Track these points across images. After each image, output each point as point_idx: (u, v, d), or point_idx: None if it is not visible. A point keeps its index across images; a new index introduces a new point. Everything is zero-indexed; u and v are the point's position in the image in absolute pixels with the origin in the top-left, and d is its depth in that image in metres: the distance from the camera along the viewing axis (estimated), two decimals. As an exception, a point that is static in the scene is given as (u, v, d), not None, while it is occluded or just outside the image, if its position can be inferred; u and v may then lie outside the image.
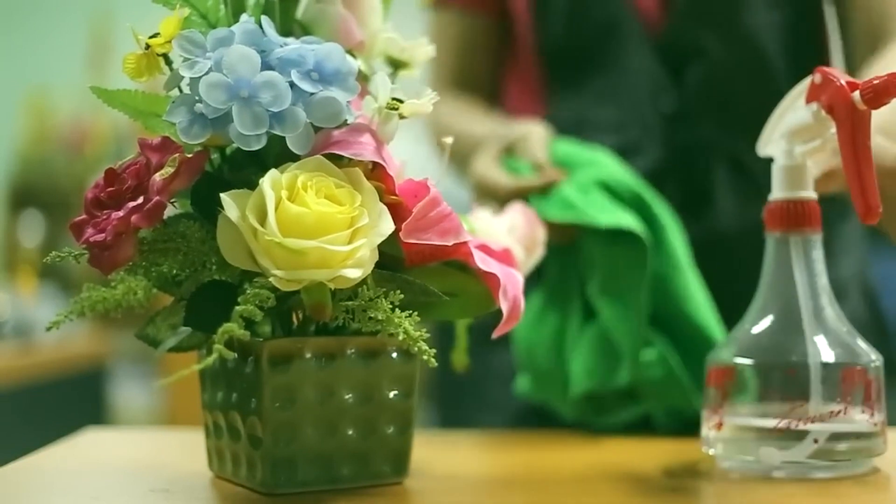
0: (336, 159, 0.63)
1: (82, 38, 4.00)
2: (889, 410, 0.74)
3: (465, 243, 0.64)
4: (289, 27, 0.69)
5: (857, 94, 0.67)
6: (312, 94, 0.62)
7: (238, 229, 0.59)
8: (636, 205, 0.90)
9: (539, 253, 0.82)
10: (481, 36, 1.18)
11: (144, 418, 3.38)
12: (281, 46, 0.63)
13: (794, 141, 0.73)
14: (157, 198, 0.60)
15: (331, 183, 0.61)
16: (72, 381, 2.89)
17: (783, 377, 0.70)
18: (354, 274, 0.59)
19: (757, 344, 0.72)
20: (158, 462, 0.81)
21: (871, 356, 0.71)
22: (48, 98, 3.94)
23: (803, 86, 0.73)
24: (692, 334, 0.89)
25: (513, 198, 0.91)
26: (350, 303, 0.62)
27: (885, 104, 0.67)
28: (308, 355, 0.64)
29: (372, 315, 0.61)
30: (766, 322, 0.72)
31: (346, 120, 0.63)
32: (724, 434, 0.72)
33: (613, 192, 0.91)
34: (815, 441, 0.68)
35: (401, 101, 0.65)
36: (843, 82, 0.68)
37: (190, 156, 0.62)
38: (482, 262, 0.65)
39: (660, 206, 0.91)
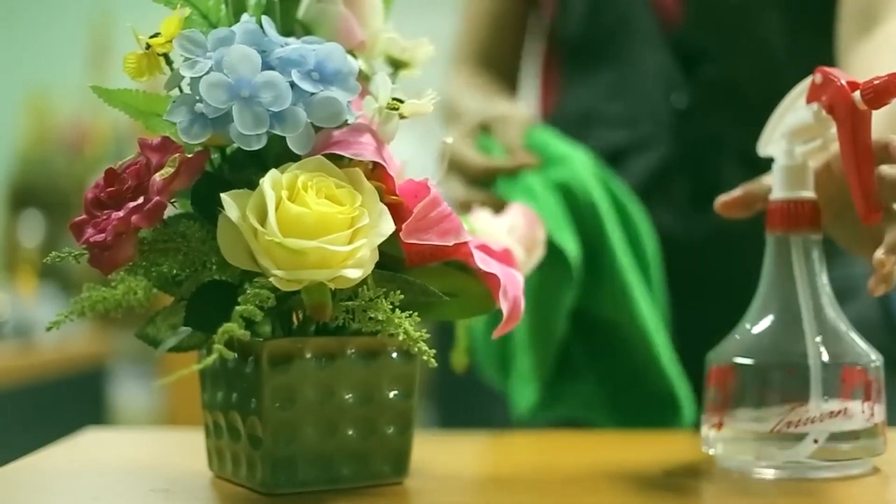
0: (336, 159, 0.63)
1: (82, 39, 4.00)
2: (894, 410, 0.74)
3: (465, 243, 0.64)
4: (290, 27, 0.69)
5: (857, 94, 0.67)
6: (313, 94, 0.62)
7: (238, 229, 0.59)
8: (588, 219, 0.89)
9: (539, 253, 0.82)
10: (511, 16, 1.18)
11: (144, 418, 3.38)
12: (282, 46, 0.63)
13: (794, 141, 0.73)
14: (158, 198, 0.60)
15: (331, 183, 0.61)
16: (72, 381, 2.89)
17: (783, 377, 0.70)
18: (355, 274, 0.59)
19: (757, 344, 0.72)
20: (158, 462, 0.81)
21: (871, 356, 0.71)
22: (48, 98, 3.95)
23: (804, 85, 0.73)
24: (634, 354, 0.88)
25: (480, 177, 0.91)
26: (350, 303, 0.62)
27: (886, 104, 0.67)
28: (308, 355, 0.64)
29: (372, 315, 0.61)
30: (767, 322, 0.72)
31: (346, 120, 0.63)
32: (724, 434, 0.72)
33: (572, 198, 0.89)
34: (815, 441, 0.68)
35: (401, 101, 0.65)
36: (843, 82, 0.68)
37: (190, 156, 0.62)
38: (482, 262, 0.65)
39: (614, 225, 0.90)
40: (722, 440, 0.72)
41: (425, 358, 0.61)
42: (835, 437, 0.68)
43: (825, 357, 0.69)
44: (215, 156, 0.66)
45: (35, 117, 3.98)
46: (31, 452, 0.80)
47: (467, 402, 1.84)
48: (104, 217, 0.61)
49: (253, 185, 0.61)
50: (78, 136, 3.90)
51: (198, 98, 0.60)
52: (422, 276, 0.64)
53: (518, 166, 0.91)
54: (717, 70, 1.06)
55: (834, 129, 0.70)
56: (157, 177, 0.60)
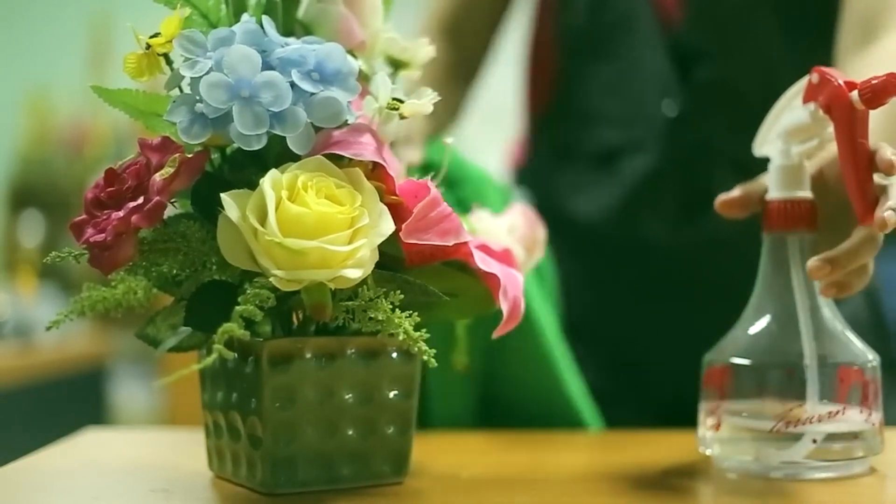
0: (336, 159, 0.63)
1: (82, 39, 3.99)
2: (890, 410, 0.74)
3: (465, 243, 0.64)
4: (290, 27, 0.69)
5: (855, 93, 0.67)
6: (313, 94, 0.62)
7: (238, 229, 0.60)
8: None
9: (539, 253, 0.82)
10: None
11: (144, 418, 3.37)
12: (282, 46, 0.63)
13: (790, 141, 0.73)
14: (157, 198, 0.60)
15: (331, 183, 0.61)
16: (72, 381, 2.89)
17: (780, 377, 0.70)
18: (355, 274, 0.59)
19: (754, 344, 0.72)
20: (158, 462, 0.81)
21: (868, 356, 0.71)
22: (48, 98, 3.94)
23: (800, 85, 0.73)
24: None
25: None
26: (350, 303, 0.62)
27: (884, 104, 0.67)
28: (308, 355, 0.64)
29: (372, 315, 0.61)
30: (763, 322, 0.72)
31: (346, 120, 0.63)
32: (721, 434, 0.72)
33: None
34: (813, 441, 0.68)
35: (401, 101, 0.65)
36: (840, 82, 0.68)
37: (190, 156, 0.62)
38: (482, 262, 0.65)
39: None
40: (719, 441, 0.72)
41: (425, 358, 0.61)
42: (832, 437, 0.69)
43: (822, 357, 0.70)
44: (215, 156, 0.66)
45: (35, 117, 3.97)
46: (31, 452, 0.80)
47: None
48: (104, 217, 0.61)
49: (253, 185, 0.61)
50: (78, 136, 3.89)
51: (198, 98, 0.60)
52: (422, 276, 0.64)
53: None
54: (714, 73, 1.05)
55: (830, 129, 0.70)
56: (157, 177, 0.60)
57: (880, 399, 0.71)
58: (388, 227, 0.61)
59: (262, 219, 0.59)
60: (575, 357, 0.98)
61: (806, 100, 0.72)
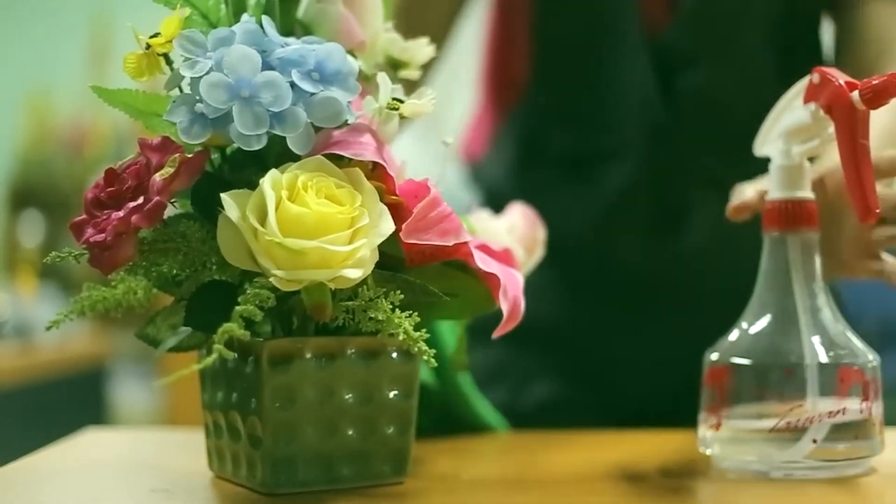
0: (336, 159, 0.63)
1: (82, 39, 3.99)
2: None
3: (465, 243, 0.64)
4: (290, 27, 0.69)
5: (856, 94, 0.67)
6: (313, 94, 0.62)
7: (238, 229, 0.60)
8: None
9: (539, 253, 0.82)
10: None
11: (144, 418, 3.37)
12: (282, 46, 0.63)
13: (791, 141, 0.73)
14: (157, 198, 0.60)
15: (331, 183, 0.61)
16: (72, 381, 2.89)
17: (781, 377, 0.70)
18: (355, 274, 0.59)
19: (754, 344, 0.72)
20: (158, 462, 0.81)
21: (869, 356, 0.71)
22: (48, 99, 3.94)
23: (801, 85, 0.73)
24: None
25: None
26: (350, 303, 0.62)
27: (884, 104, 0.67)
28: (308, 355, 0.64)
29: (372, 315, 0.61)
30: (764, 322, 0.72)
31: (346, 120, 0.63)
32: (721, 434, 0.72)
33: None
34: (814, 441, 0.68)
35: (401, 101, 0.65)
36: (841, 82, 0.68)
37: (190, 156, 0.62)
38: (482, 262, 0.65)
39: None
40: (719, 441, 0.72)
41: (425, 358, 0.61)
42: (832, 437, 0.68)
43: (822, 357, 0.70)
44: (215, 156, 0.66)
45: (35, 117, 3.97)
46: (31, 452, 0.80)
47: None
48: (104, 217, 0.61)
49: (253, 185, 0.61)
50: (78, 136, 3.89)
51: (198, 98, 0.60)
52: (422, 276, 0.64)
53: None
54: (699, 83, 1.03)
55: (831, 129, 0.70)
56: (157, 177, 0.60)
57: (881, 399, 0.71)
58: (388, 227, 0.61)
59: (262, 219, 0.59)
60: (540, 364, 0.97)
61: (807, 100, 0.72)
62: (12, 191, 3.93)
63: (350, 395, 0.66)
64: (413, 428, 0.68)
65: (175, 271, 0.63)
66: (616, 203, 1.03)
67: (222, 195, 0.60)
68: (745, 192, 0.77)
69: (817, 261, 0.73)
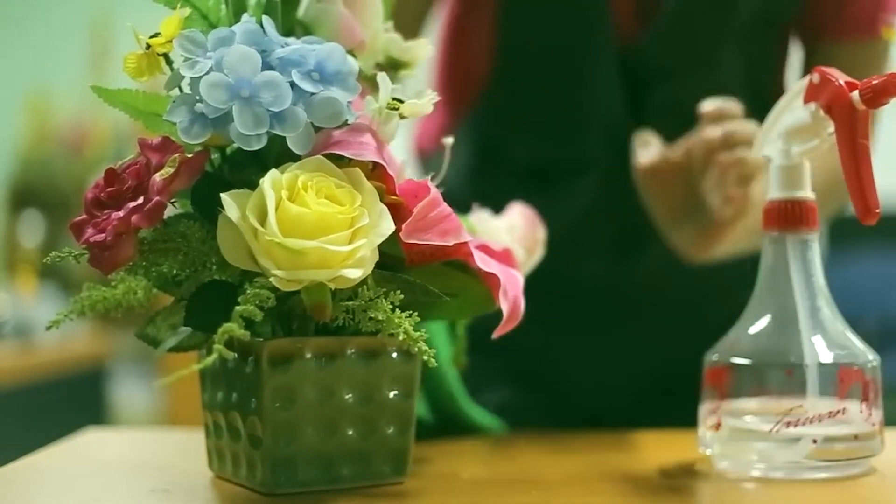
0: (336, 159, 0.63)
1: (83, 39, 3.99)
2: None
3: (465, 243, 0.64)
4: (290, 27, 0.69)
5: (856, 94, 0.67)
6: (313, 94, 0.62)
7: (238, 229, 0.60)
8: None
9: (539, 253, 0.82)
10: None
11: (144, 418, 3.37)
12: (282, 46, 0.63)
13: (791, 141, 0.73)
14: (157, 198, 0.60)
15: (331, 183, 0.61)
16: (72, 381, 2.89)
17: (781, 377, 0.70)
18: (355, 274, 0.59)
19: (754, 344, 0.72)
20: (158, 462, 0.81)
21: (869, 356, 0.71)
22: (48, 99, 3.94)
23: (801, 85, 0.73)
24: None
25: None
26: (350, 303, 0.62)
27: (884, 104, 0.67)
28: (308, 355, 0.64)
29: (372, 315, 0.61)
30: (764, 322, 0.72)
31: (346, 120, 0.63)
32: (721, 434, 0.72)
33: None
34: (814, 441, 0.68)
35: (401, 101, 0.65)
36: (841, 82, 0.68)
37: (190, 156, 0.62)
38: (482, 262, 0.65)
39: None
40: (719, 440, 0.72)
41: (425, 358, 0.61)
42: (832, 437, 0.69)
43: (822, 357, 0.70)
44: (215, 156, 0.66)
45: (35, 117, 3.97)
46: (31, 452, 0.80)
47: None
48: (104, 217, 0.61)
49: (253, 185, 0.61)
50: (78, 136, 3.89)
51: (198, 98, 0.60)
52: (422, 276, 0.64)
53: None
54: (669, 100, 1.00)
55: (831, 129, 0.70)
56: (157, 177, 0.60)
57: (881, 399, 0.71)
58: (388, 227, 0.61)
59: (262, 219, 0.59)
60: (496, 371, 0.96)
61: (807, 100, 0.72)
62: (12, 191, 3.93)
63: (350, 395, 0.66)
64: (413, 428, 0.68)
65: (175, 271, 0.63)
66: (579, 220, 1.01)
67: (222, 195, 0.60)
68: (649, 150, 0.77)
69: (818, 261, 0.73)
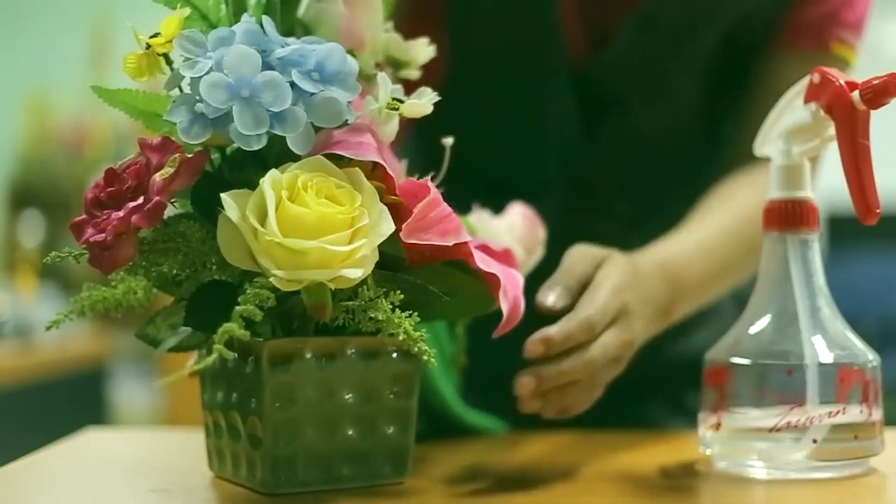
0: (336, 159, 0.63)
1: (82, 39, 3.99)
2: None
3: (465, 243, 0.64)
4: (290, 27, 0.69)
5: (856, 94, 0.68)
6: (313, 94, 0.62)
7: (238, 229, 0.60)
8: None
9: (539, 253, 0.82)
10: None
11: (144, 418, 3.38)
12: (282, 46, 0.63)
13: (791, 141, 0.73)
14: (157, 198, 0.60)
15: (331, 183, 0.61)
16: (72, 381, 2.89)
17: (781, 377, 0.70)
18: (355, 274, 0.59)
19: (754, 344, 0.72)
20: (158, 462, 0.81)
21: (869, 356, 0.71)
22: (48, 98, 3.94)
23: (801, 86, 0.73)
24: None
25: None
26: (350, 303, 0.62)
27: (885, 104, 0.67)
28: (308, 355, 0.64)
29: (372, 315, 0.61)
30: (764, 322, 0.72)
31: (346, 120, 0.63)
32: (721, 434, 0.72)
33: None
34: (814, 441, 0.68)
35: (401, 101, 0.65)
36: (842, 82, 0.68)
37: (190, 156, 0.62)
38: (482, 262, 0.65)
39: None
40: (720, 440, 0.72)
41: (425, 358, 0.61)
42: (832, 437, 0.68)
43: (822, 357, 0.70)
44: (215, 156, 0.66)
45: (35, 117, 3.98)
46: (31, 452, 0.80)
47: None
48: (104, 217, 0.61)
49: (253, 185, 0.61)
50: (78, 136, 3.89)
51: (198, 98, 0.60)
52: (422, 275, 0.64)
53: None
54: (624, 126, 0.98)
55: (831, 129, 0.70)
56: (157, 177, 0.60)
57: (881, 399, 0.71)
58: (388, 227, 0.61)
59: (262, 219, 0.59)
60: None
61: (807, 100, 0.72)
62: (12, 191, 3.93)
63: (350, 395, 0.66)
64: (413, 428, 0.68)
65: (175, 271, 0.63)
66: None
67: (222, 195, 0.60)
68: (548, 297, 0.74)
69: (818, 260, 0.73)
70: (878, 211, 0.67)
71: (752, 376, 0.71)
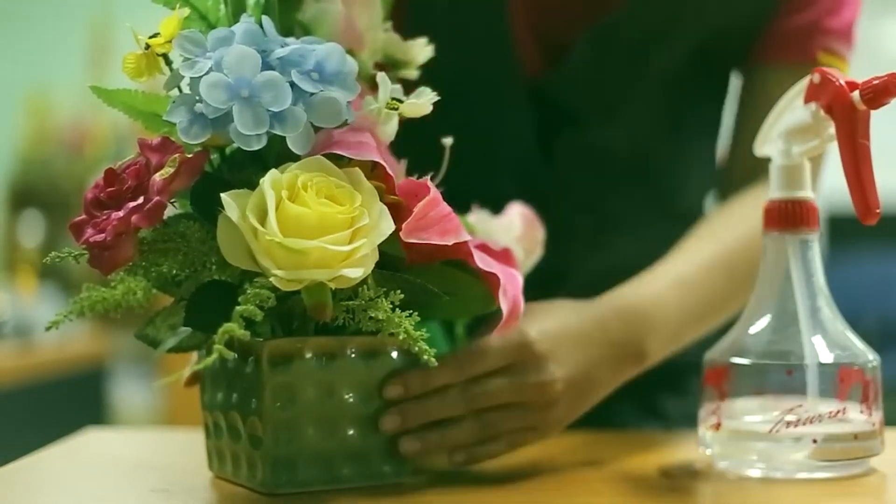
0: (336, 159, 0.63)
1: (82, 39, 4.00)
2: None
3: (465, 243, 0.64)
4: (289, 27, 0.69)
5: (856, 94, 0.68)
6: (313, 94, 0.62)
7: (238, 229, 0.60)
8: None
9: (539, 253, 0.82)
10: None
11: (144, 418, 3.38)
12: (281, 46, 0.63)
13: (791, 141, 0.73)
14: (157, 198, 0.60)
15: (331, 183, 0.61)
16: (72, 381, 2.89)
17: (781, 377, 0.70)
18: (355, 274, 0.59)
19: (754, 344, 0.72)
20: (158, 462, 0.81)
21: (869, 356, 0.71)
22: (48, 98, 3.94)
23: (801, 86, 0.73)
24: None
25: None
26: (350, 303, 0.62)
27: (885, 104, 0.67)
28: (308, 355, 0.64)
29: (372, 315, 0.61)
30: (764, 322, 0.72)
31: (346, 120, 0.63)
32: (721, 434, 0.72)
33: None
34: (814, 441, 0.68)
35: (401, 101, 0.65)
36: (842, 82, 0.68)
37: (190, 156, 0.62)
38: (482, 261, 0.65)
39: None
40: (719, 440, 0.72)
41: (425, 358, 0.61)
42: (833, 437, 0.68)
43: (822, 357, 0.70)
44: (215, 156, 0.66)
45: (35, 117, 3.98)
46: (31, 452, 0.80)
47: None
48: (104, 217, 0.61)
49: (253, 185, 0.61)
50: (78, 136, 3.89)
51: (198, 98, 0.60)
52: (422, 275, 0.64)
53: None
54: (582, 144, 0.96)
55: (831, 129, 0.70)
56: (157, 177, 0.60)
57: (881, 399, 0.71)
58: (388, 226, 0.61)
59: (262, 219, 0.59)
60: None
61: (807, 100, 0.72)
62: (12, 191, 3.93)
63: (350, 395, 0.66)
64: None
65: (175, 271, 0.63)
66: None
67: (222, 195, 0.60)
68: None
69: (818, 260, 0.73)
70: (878, 211, 0.67)
71: (752, 376, 0.71)
